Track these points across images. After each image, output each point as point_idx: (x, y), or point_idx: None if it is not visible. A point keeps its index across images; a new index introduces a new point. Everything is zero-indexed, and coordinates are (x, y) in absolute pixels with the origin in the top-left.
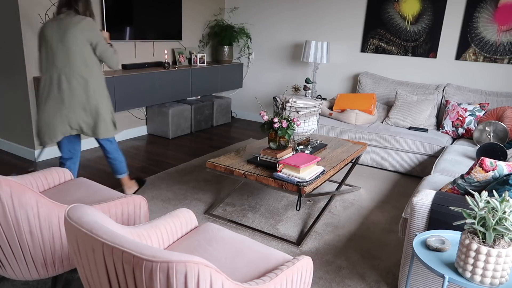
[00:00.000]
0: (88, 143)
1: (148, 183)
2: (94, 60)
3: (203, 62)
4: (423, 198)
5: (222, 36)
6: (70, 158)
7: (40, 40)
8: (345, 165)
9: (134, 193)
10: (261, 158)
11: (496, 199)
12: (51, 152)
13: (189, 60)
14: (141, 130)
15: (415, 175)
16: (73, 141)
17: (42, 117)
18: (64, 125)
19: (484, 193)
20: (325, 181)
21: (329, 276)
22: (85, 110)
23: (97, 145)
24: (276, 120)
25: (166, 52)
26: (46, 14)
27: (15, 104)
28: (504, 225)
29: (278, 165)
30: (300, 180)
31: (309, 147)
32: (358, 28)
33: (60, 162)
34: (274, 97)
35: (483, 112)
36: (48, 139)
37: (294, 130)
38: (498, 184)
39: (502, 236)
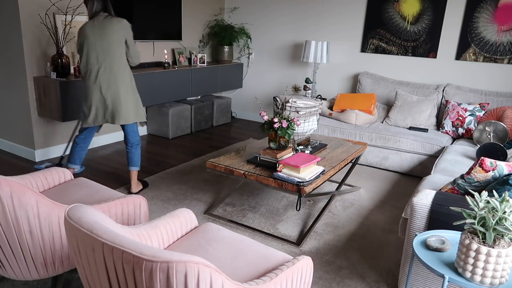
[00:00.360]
0: None
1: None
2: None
3: (203, 62)
4: (423, 198)
5: (222, 36)
6: (84, 142)
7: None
8: (345, 165)
9: (138, 192)
10: (261, 158)
11: (496, 199)
12: (52, 152)
13: (189, 60)
14: (141, 130)
15: (415, 175)
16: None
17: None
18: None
19: (484, 193)
20: (325, 181)
21: (329, 276)
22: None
23: (97, 145)
24: (276, 120)
25: (166, 52)
26: (46, 14)
27: (15, 104)
28: (504, 225)
29: (278, 165)
30: (300, 180)
31: (309, 147)
32: (358, 28)
33: (75, 142)
34: (274, 97)
35: (483, 112)
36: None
37: (294, 130)
38: (498, 184)
39: (502, 236)
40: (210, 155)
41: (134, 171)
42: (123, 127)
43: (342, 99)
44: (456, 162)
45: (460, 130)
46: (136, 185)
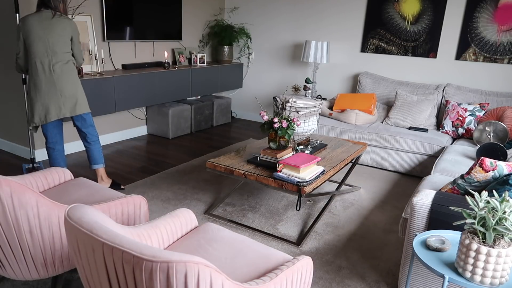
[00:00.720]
0: None
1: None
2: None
3: (203, 62)
4: (423, 198)
5: (222, 36)
6: (56, 143)
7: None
8: (345, 165)
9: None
10: (261, 158)
11: (496, 199)
12: None
13: (189, 60)
14: (141, 130)
15: (415, 175)
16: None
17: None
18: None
19: (484, 193)
20: (325, 181)
21: (329, 276)
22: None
23: None
24: (276, 120)
25: (166, 55)
26: None
27: (12, 103)
28: (504, 225)
29: (278, 165)
30: (300, 180)
31: (309, 147)
32: (358, 28)
33: (49, 148)
34: (274, 97)
35: (483, 112)
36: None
37: (294, 130)
38: (498, 184)
39: (502, 236)
40: (210, 155)
41: (101, 169)
42: (81, 121)
43: (342, 99)
44: (456, 162)
45: (460, 130)
46: (106, 182)
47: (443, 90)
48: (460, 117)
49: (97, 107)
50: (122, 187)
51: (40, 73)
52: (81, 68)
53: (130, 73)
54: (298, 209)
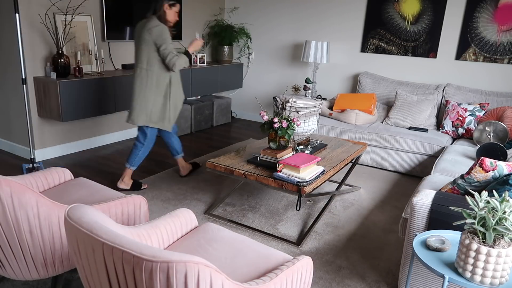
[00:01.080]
0: (88, 143)
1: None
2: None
3: (203, 62)
4: (423, 198)
5: (222, 36)
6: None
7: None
8: (345, 165)
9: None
10: (261, 158)
11: (496, 199)
12: (51, 152)
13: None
14: None
15: (415, 175)
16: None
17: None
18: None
19: (484, 193)
20: (325, 181)
21: (329, 276)
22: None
23: (97, 145)
24: (276, 120)
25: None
26: (46, 14)
27: (15, 104)
28: (504, 225)
29: (278, 165)
30: (300, 180)
31: (309, 147)
32: (358, 28)
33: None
34: (274, 97)
35: (483, 112)
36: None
37: (294, 130)
38: (498, 184)
39: (502, 236)
40: (210, 155)
41: (180, 159)
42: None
43: (342, 99)
44: (456, 162)
45: (460, 130)
46: (185, 168)
47: (443, 90)
48: (460, 117)
49: (97, 107)
50: (142, 187)
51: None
52: (81, 68)
53: (130, 73)
54: (298, 209)
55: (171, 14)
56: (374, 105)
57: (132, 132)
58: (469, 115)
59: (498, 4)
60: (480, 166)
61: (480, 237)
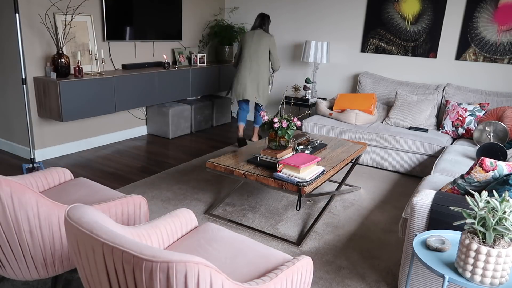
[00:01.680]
0: (88, 143)
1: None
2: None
3: (203, 62)
4: (423, 198)
5: (222, 36)
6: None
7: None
8: (345, 165)
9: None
10: (261, 158)
11: (496, 199)
12: (51, 152)
13: (189, 60)
14: (141, 130)
15: (415, 175)
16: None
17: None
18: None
19: (484, 193)
20: (325, 181)
21: (329, 276)
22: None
23: (97, 145)
24: (276, 120)
25: (165, 57)
26: (46, 14)
27: (15, 104)
28: (504, 225)
29: (278, 165)
30: (300, 180)
31: (309, 147)
32: (358, 28)
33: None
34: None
35: (483, 112)
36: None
37: (294, 130)
38: (498, 184)
39: (502, 236)
40: (210, 155)
41: (256, 128)
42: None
43: (342, 99)
44: (456, 162)
45: (460, 130)
46: (255, 137)
47: (443, 90)
48: (460, 117)
49: (97, 107)
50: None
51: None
52: (81, 68)
53: (130, 73)
54: (298, 209)
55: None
56: (374, 105)
57: (132, 132)
58: (469, 115)
59: (498, 4)
60: (480, 166)
61: (480, 237)
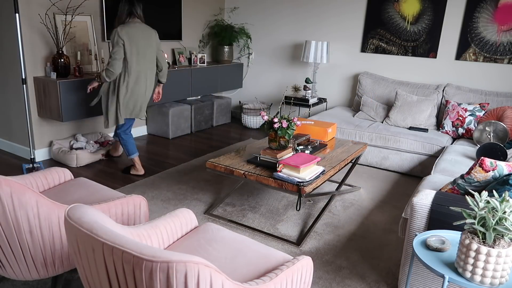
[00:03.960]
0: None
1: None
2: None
3: (203, 62)
4: (423, 198)
5: (222, 36)
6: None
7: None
8: (345, 165)
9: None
10: (261, 158)
11: (496, 199)
12: (52, 152)
13: (189, 60)
14: (141, 130)
15: (415, 175)
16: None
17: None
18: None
19: (484, 193)
20: (325, 181)
21: (329, 276)
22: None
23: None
24: (276, 120)
25: (166, 56)
26: (46, 14)
27: (15, 104)
28: (504, 225)
29: (278, 165)
30: (300, 180)
31: (309, 147)
32: (358, 28)
33: (118, 133)
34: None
35: (483, 112)
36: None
37: (294, 130)
38: (498, 184)
39: (502, 236)
40: (210, 155)
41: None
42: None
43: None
44: (456, 162)
45: (460, 130)
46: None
47: (443, 90)
48: (460, 117)
49: (97, 107)
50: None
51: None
52: (81, 68)
53: None
54: (298, 209)
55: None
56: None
57: (133, 132)
58: (469, 115)
59: (498, 4)
60: (480, 166)
61: (480, 237)
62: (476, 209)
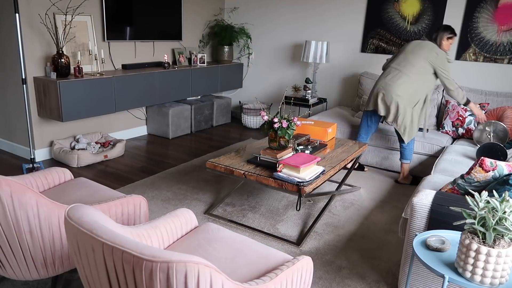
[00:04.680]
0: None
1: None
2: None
3: (203, 62)
4: (423, 198)
5: (222, 36)
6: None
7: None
8: (345, 165)
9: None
10: (261, 158)
11: (496, 199)
12: (52, 152)
13: (189, 60)
14: (141, 130)
15: (415, 175)
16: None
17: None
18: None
19: (484, 193)
20: (325, 181)
21: (329, 276)
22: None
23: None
24: (276, 120)
25: (166, 57)
26: (46, 14)
27: (15, 104)
28: (504, 225)
29: (278, 165)
30: (300, 180)
31: (309, 147)
32: (358, 28)
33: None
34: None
35: (483, 112)
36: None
37: (294, 129)
38: (498, 184)
39: (502, 236)
40: (210, 155)
41: (405, 164)
42: None
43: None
44: (456, 162)
45: (460, 130)
46: (404, 178)
47: (443, 90)
48: (460, 117)
49: (97, 107)
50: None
51: None
52: (81, 68)
53: (130, 73)
54: (298, 209)
55: (447, 45)
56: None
57: (132, 132)
58: (469, 115)
59: (498, 4)
60: (480, 166)
61: (480, 237)
62: (476, 209)
